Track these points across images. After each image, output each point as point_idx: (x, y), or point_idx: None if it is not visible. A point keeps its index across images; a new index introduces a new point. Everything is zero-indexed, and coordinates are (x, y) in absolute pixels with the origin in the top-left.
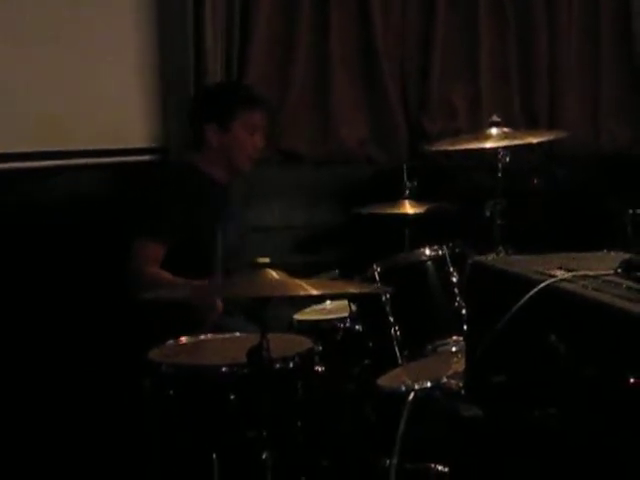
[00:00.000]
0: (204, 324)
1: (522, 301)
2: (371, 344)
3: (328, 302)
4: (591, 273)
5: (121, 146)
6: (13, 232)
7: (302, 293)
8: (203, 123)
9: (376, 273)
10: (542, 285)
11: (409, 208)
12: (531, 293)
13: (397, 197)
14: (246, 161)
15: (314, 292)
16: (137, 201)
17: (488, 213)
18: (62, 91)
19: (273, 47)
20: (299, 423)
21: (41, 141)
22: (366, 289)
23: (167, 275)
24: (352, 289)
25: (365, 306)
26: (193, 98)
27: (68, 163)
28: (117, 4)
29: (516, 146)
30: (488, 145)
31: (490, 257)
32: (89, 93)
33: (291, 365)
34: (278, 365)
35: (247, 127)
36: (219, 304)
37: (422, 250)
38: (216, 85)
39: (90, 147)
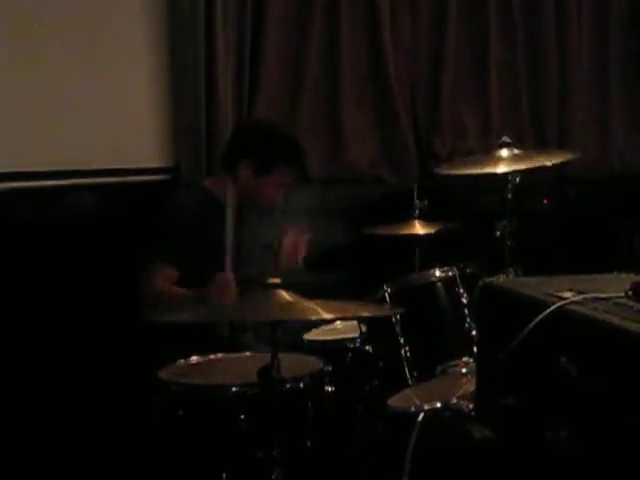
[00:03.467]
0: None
1: (534, 323)
2: (381, 365)
3: (338, 322)
4: (602, 295)
5: (131, 166)
6: (23, 250)
7: (313, 317)
8: (240, 156)
9: (386, 294)
10: (553, 307)
11: (419, 229)
12: (543, 315)
13: (407, 217)
14: (260, 207)
15: (325, 316)
16: (150, 224)
17: (498, 234)
18: (72, 110)
19: (284, 68)
20: (309, 443)
21: (51, 160)
22: (377, 312)
23: (180, 289)
24: (363, 313)
25: (375, 327)
26: (240, 125)
27: (78, 182)
28: (129, 25)
29: (526, 168)
30: (499, 170)
31: (500, 278)
32: (99, 113)
33: (301, 385)
34: (288, 385)
35: (278, 183)
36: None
37: (432, 271)
38: (269, 126)
39: (101, 167)
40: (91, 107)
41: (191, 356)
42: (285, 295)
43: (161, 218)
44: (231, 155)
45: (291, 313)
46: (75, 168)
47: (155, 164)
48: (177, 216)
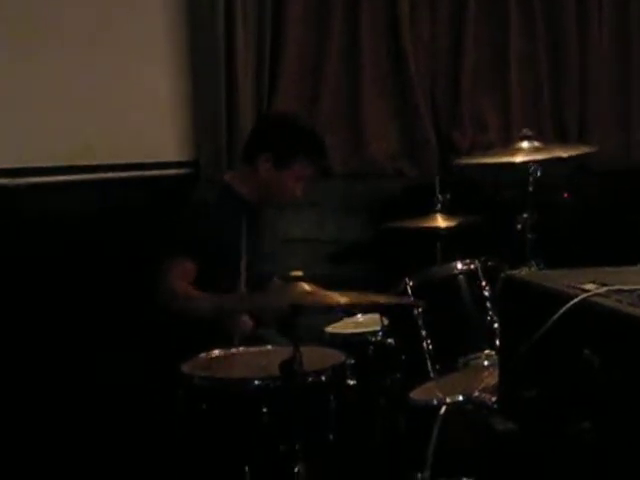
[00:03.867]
0: (233, 338)
1: (557, 315)
2: (403, 358)
3: (360, 316)
4: (625, 287)
5: (151, 160)
6: (43, 245)
7: (332, 302)
8: (260, 150)
9: (408, 287)
10: (577, 299)
11: (441, 222)
12: (566, 307)
13: (428, 211)
14: (280, 202)
15: (343, 301)
16: (170, 218)
17: (519, 227)
18: (92, 104)
19: (304, 63)
20: (331, 436)
21: (71, 155)
22: (396, 300)
23: (199, 293)
24: (383, 300)
25: (397, 320)
26: (260, 119)
27: (98, 177)
28: (149, 18)
29: (547, 160)
30: (519, 159)
31: (521, 271)
32: (119, 107)
33: (323, 378)
34: (310, 378)
35: (298, 175)
36: (248, 322)
37: (454, 264)
38: (288, 118)
39: (120, 161)
40: (110, 101)
41: (213, 350)
42: (306, 287)
43: (182, 212)
44: (251, 148)
45: (311, 300)
46: (94, 162)
47: (175, 158)
48: (198, 210)
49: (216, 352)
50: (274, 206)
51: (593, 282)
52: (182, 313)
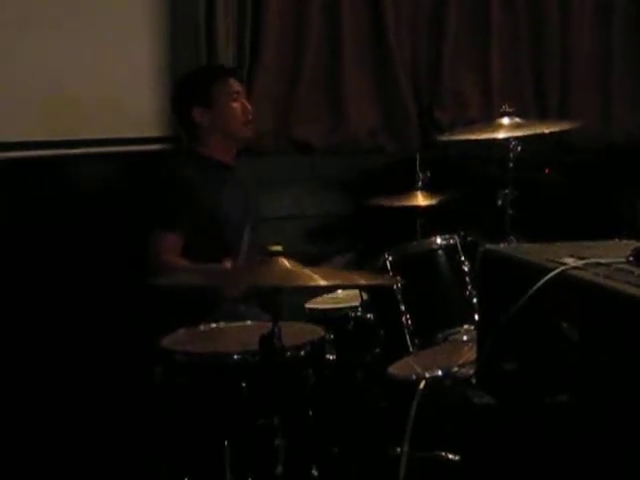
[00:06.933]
0: (220, 306)
1: (535, 287)
2: (382, 333)
3: (340, 291)
4: (603, 261)
5: (133, 135)
6: (25, 220)
7: (313, 284)
8: (189, 110)
9: (387, 262)
10: (554, 272)
11: (421, 199)
12: (544, 280)
13: (409, 187)
14: (241, 127)
15: (324, 283)
16: (145, 193)
17: (499, 203)
18: (74, 79)
19: (284, 37)
20: (310, 411)
21: (53, 130)
22: (376, 281)
23: (185, 262)
24: (363, 281)
25: (376, 295)
26: (172, 95)
27: (80, 152)
28: None
29: (527, 136)
30: (500, 135)
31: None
32: (101, 81)
33: (303, 353)
34: (290, 353)
35: (227, 95)
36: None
37: (433, 239)
38: (186, 74)
39: (101, 136)
40: (90, 75)
41: (193, 325)
42: (286, 263)
43: (155, 187)
44: (184, 118)
45: (291, 280)
46: (74, 138)
47: (156, 134)
48: (169, 183)
49: (196, 327)
50: (240, 143)
51: (571, 256)
52: (171, 286)
